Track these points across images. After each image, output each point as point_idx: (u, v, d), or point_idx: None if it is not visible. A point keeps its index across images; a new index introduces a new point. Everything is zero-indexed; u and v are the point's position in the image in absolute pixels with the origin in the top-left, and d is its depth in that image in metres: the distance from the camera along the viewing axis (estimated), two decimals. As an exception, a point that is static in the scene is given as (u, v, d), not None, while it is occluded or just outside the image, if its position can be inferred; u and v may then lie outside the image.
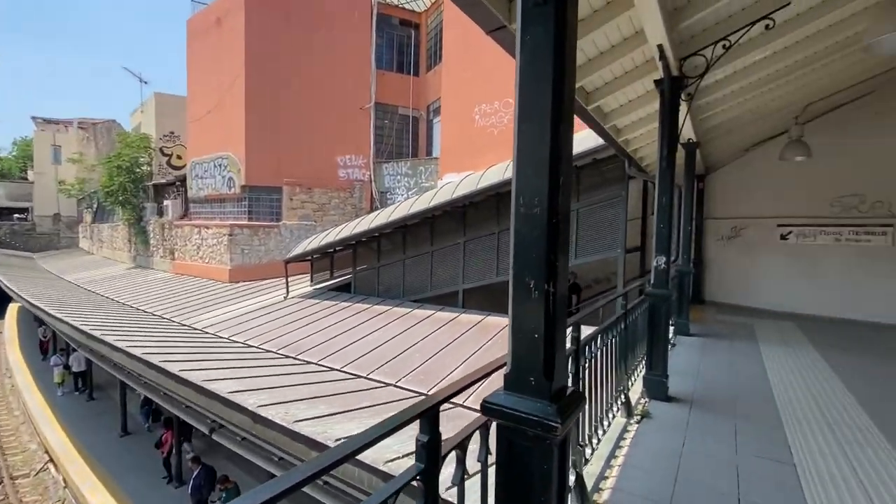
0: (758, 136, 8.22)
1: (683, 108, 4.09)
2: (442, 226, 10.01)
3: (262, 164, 14.01)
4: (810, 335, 6.43)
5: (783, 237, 8.15)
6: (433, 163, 14.17)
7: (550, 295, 1.25)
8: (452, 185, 9.56)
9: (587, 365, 2.66)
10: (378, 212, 10.87)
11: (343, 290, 11.54)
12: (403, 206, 9.97)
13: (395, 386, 6.37)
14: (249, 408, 4.75)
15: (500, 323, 8.19)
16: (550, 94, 1.21)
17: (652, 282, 4.09)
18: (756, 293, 8.52)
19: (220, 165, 15.07)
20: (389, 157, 15.58)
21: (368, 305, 10.17)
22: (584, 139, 7.23)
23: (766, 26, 3.52)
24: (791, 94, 5.98)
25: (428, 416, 1.16)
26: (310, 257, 11.71)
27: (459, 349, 7.31)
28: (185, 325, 10.50)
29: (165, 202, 18.23)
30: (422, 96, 16.07)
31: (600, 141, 6.31)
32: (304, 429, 4.27)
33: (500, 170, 8.88)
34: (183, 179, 17.62)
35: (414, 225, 10.20)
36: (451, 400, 1.31)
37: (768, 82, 5.32)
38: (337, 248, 11.30)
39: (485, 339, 7.60)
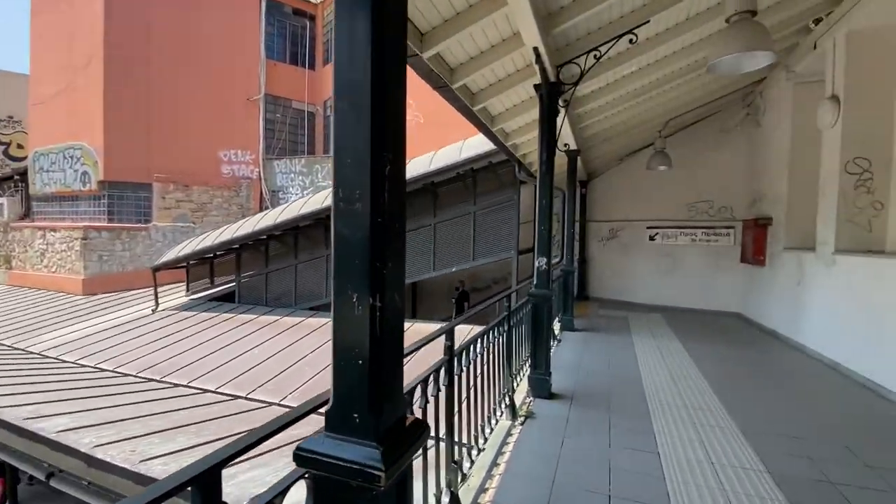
0: (630, 146, 9.05)
1: (561, 114, 4.21)
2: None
3: (126, 156, 12.14)
4: (673, 325, 7.19)
5: (651, 238, 9.07)
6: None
7: (377, 310, 1.01)
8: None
9: (464, 373, 2.52)
10: (265, 213, 10.01)
11: (226, 299, 10.42)
12: (294, 207, 9.29)
13: (280, 405, 5.79)
14: (82, 449, 3.91)
15: (412, 329, 7.93)
16: (369, 64, 0.98)
17: (535, 282, 4.13)
18: (632, 289, 9.37)
19: (71, 157, 12.77)
20: (282, 154, 14.52)
21: (254, 316, 9.28)
22: (482, 142, 7.30)
23: (630, 41, 3.75)
24: (654, 108, 6.62)
25: (200, 483, 0.85)
26: (185, 264, 10.38)
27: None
28: (17, 349, 8.62)
29: (0, 199, 15.00)
30: (318, 91, 15.26)
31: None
32: (154, 468, 3.60)
33: (418, 163, 8.65)
34: (23, 173, 14.66)
35: (308, 226, 9.54)
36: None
37: (636, 96, 5.79)
38: (217, 253, 10.17)
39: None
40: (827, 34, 5.17)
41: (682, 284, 8.76)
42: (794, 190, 6.27)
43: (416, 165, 8.35)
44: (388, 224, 1.04)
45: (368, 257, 1.03)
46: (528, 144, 6.53)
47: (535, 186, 10.02)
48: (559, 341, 5.95)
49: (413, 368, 1.64)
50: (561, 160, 7.21)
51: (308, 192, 13.46)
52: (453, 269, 8.42)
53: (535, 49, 3.37)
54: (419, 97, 6.72)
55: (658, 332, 6.73)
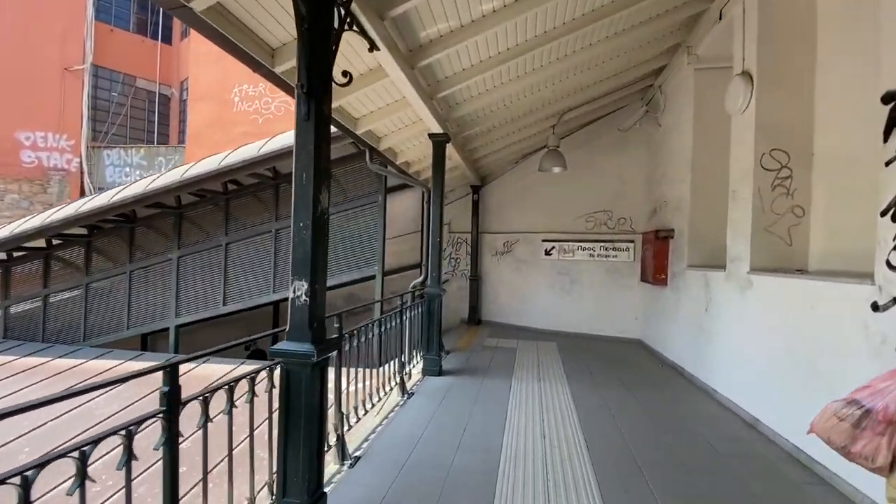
0: (524, 148, 7.80)
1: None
2: (146, 236, 7.08)
3: None
4: (567, 358, 5.84)
5: (547, 253, 7.83)
6: (181, 151, 10.89)
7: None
8: (165, 175, 6.80)
9: None
10: (54, 210, 7.28)
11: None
12: (103, 197, 6.72)
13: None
14: None
15: (221, 372, 5.77)
16: None
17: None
18: (527, 311, 8.04)
19: None
20: (118, 142, 11.56)
21: (13, 358, 6.49)
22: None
23: None
24: (541, 96, 5.30)
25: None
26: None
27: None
28: None
29: None
30: (175, 69, 12.56)
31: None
32: None
33: (251, 149, 6.49)
34: None
35: (105, 234, 7.01)
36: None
37: (513, 79, 4.40)
38: (-31, 267, 7.21)
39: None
40: (735, -3, 4.11)
41: (579, 306, 7.57)
42: (698, 195, 5.22)
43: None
44: None
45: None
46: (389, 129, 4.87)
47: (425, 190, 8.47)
48: (408, 397, 4.21)
49: None
50: (424, 152, 5.65)
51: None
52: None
53: None
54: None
55: (546, 371, 5.29)
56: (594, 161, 7.55)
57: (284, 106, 9.80)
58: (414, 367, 4.99)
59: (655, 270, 5.96)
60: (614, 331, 7.29)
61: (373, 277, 6.10)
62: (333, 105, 3.70)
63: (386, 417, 3.71)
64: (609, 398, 4.29)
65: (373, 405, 3.70)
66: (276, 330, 2.85)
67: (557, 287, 7.74)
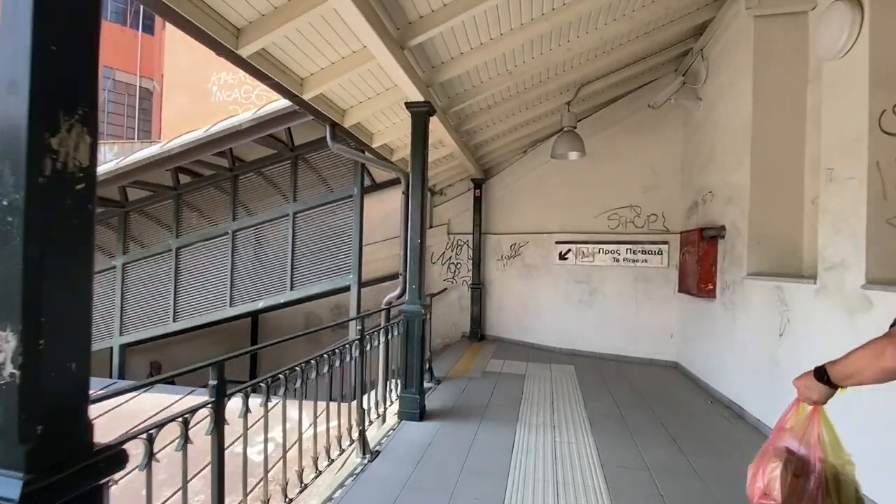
0: (533, 134, 6.62)
1: None
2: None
3: None
4: (588, 391, 4.62)
5: (562, 256, 6.60)
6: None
7: None
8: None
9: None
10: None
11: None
12: None
13: None
14: None
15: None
16: None
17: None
18: (539, 327, 6.82)
19: None
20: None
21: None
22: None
23: None
24: (553, 61, 4.13)
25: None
26: None
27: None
28: None
29: None
30: (157, 61, 11.70)
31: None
32: None
33: (199, 132, 5.46)
34: None
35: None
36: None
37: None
38: None
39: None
40: None
41: (601, 321, 6.32)
42: (761, 182, 3.96)
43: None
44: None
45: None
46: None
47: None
48: (371, 458, 3.05)
49: None
50: (401, 131, 4.51)
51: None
52: (260, 305, 5.38)
53: None
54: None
55: (563, 410, 4.08)
56: (618, 147, 6.33)
57: (266, 94, 8.77)
58: (390, 406, 3.84)
59: (700, 279, 4.71)
60: (645, 352, 6.03)
61: (347, 289, 4.97)
62: (254, 45, 2.60)
63: (330, 500, 2.56)
64: (654, 465, 3.06)
65: (313, 478, 2.57)
66: (198, 366, 1.78)
67: (574, 298, 6.51)
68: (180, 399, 5.01)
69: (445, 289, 7.71)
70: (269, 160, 5.37)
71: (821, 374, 1.21)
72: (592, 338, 6.33)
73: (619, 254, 6.23)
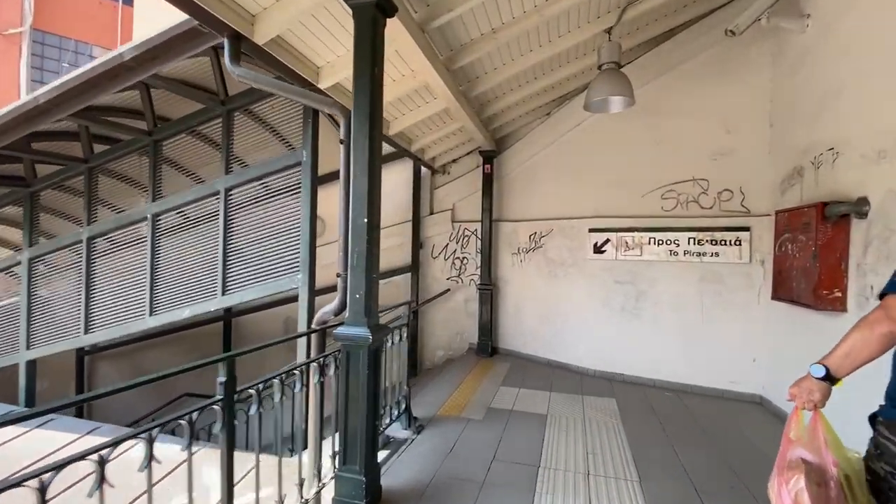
0: (560, 83, 5.03)
1: None
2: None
3: None
4: (642, 449, 3.05)
5: (598, 249, 4.99)
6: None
7: None
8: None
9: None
10: None
11: None
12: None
13: None
14: None
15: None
16: None
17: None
18: (566, 342, 5.25)
19: None
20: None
21: None
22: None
23: None
24: None
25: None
26: None
27: None
28: None
29: None
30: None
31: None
32: None
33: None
34: None
35: None
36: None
37: None
38: None
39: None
40: None
41: (653, 336, 4.69)
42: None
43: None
44: None
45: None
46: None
47: (419, 164, 5.48)
48: None
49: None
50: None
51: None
52: (186, 314, 4.02)
53: None
54: None
55: (604, 492, 2.53)
56: (677, 100, 4.66)
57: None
58: (322, 488, 2.39)
59: (820, 282, 3.04)
60: (714, 380, 4.37)
61: (295, 299, 3.50)
62: None
63: None
64: None
65: None
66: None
67: (615, 304, 4.89)
68: (77, 439, 3.75)
69: (448, 289, 6.21)
70: (198, 117, 4.00)
71: (818, 370, 1.32)
72: (640, 359, 4.71)
73: (678, 244, 4.57)
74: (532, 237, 5.64)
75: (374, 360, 2.28)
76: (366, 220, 2.25)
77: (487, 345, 5.70)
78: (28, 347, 4.56)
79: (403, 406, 3.34)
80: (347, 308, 2.31)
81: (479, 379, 4.77)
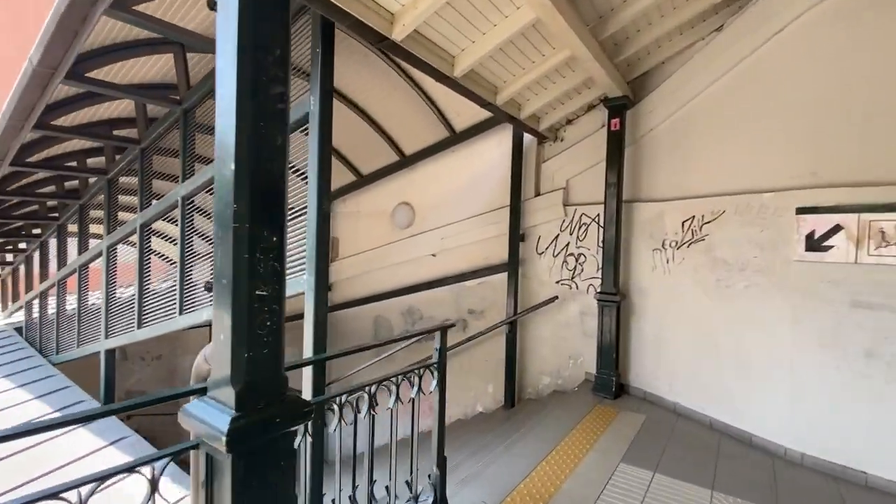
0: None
1: None
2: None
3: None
4: None
5: (815, 243, 2.85)
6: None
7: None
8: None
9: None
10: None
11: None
12: None
13: None
14: None
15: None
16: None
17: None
18: (747, 396, 3.23)
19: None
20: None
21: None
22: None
23: None
24: None
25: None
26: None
27: None
28: None
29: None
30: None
31: None
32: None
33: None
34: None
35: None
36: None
37: None
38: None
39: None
40: None
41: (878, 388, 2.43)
42: None
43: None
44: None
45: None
46: None
47: (520, 130, 3.96)
48: None
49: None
50: None
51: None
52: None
53: None
54: None
55: None
56: None
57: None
58: None
59: None
60: None
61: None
62: None
63: None
64: None
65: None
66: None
67: (853, 344, 2.72)
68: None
69: (556, 297, 4.58)
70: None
71: None
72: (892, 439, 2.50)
73: None
74: (687, 225, 3.68)
75: (252, 479, 0.99)
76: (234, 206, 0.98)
77: (611, 381, 3.94)
78: (107, 335, 4.50)
79: (434, 495, 2.00)
80: (231, 360, 1.06)
81: (590, 438, 3.12)
